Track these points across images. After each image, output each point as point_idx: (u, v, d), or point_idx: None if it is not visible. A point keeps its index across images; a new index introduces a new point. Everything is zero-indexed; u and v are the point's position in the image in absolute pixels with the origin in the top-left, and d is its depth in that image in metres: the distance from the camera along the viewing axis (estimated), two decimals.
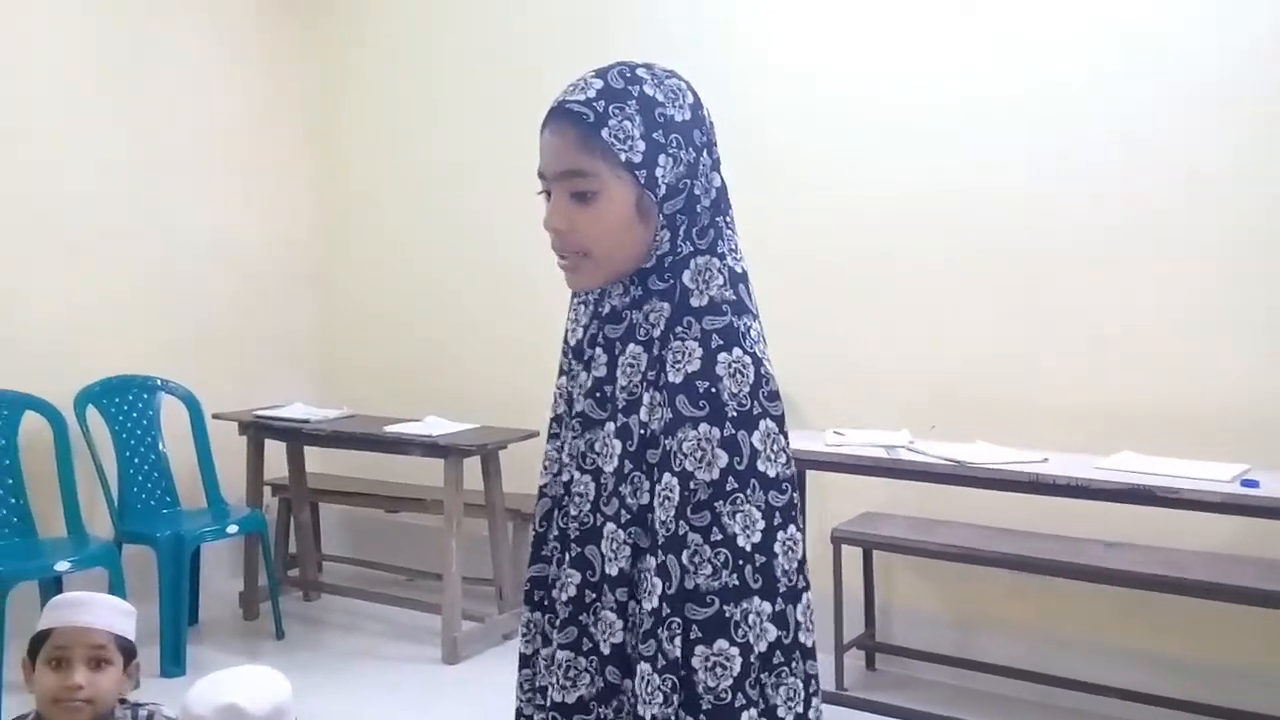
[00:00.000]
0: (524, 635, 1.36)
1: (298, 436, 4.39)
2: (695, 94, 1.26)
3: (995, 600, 3.70)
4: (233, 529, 4.13)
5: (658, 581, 1.14)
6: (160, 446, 4.26)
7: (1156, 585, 3.12)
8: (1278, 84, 3.20)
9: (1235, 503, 2.73)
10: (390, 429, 4.15)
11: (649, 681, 1.13)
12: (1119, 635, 3.47)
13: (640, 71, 1.23)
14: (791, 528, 1.17)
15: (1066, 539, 3.42)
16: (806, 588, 1.19)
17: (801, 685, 1.16)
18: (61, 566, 3.59)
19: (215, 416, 4.40)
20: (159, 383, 4.33)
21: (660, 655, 1.13)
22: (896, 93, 3.80)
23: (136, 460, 4.19)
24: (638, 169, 1.19)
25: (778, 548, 1.15)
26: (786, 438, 1.19)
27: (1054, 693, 3.48)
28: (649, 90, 1.21)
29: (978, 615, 3.75)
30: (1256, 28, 3.21)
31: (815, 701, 1.18)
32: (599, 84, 1.21)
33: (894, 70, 3.81)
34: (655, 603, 1.14)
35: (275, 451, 4.53)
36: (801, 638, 1.17)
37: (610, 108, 1.19)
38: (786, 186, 3.98)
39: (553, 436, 1.36)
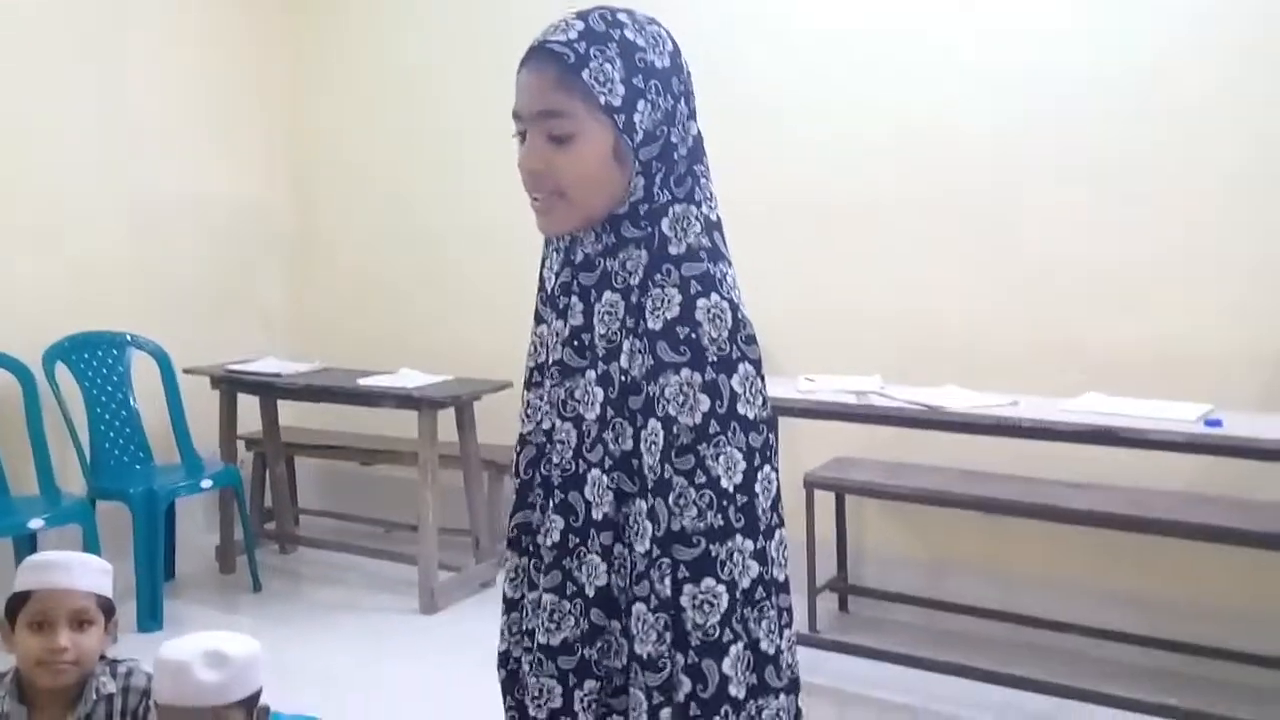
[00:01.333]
0: (511, 579, 1.37)
1: (271, 390, 4.38)
2: (674, 42, 1.26)
3: (965, 542, 3.76)
4: (207, 483, 4.13)
5: (648, 525, 1.17)
6: (131, 402, 4.24)
7: (1119, 524, 3.18)
8: (1248, 28, 3.22)
9: (1199, 442, 2.78)
10: (363, 382, 4.14)
11: (644, 621, 1.16)
12: (1085, 574, 3.55)
13: (621, 16, 1.22)
14: (767, 467, 1.20)
15: (1035, 480, 3.47)
16: (780, 524, 1.22)
17: (777, 618, 1.19)
18: (35, 524, 3.58)
19: (186, 371, 4.37)
20: (129, 338, 4.30)
21: (653, 595, 1.16)
22: (870, 41, 3.80)
23: (108, 417, 4.16)
24: (617, 112, 1.19)
25: (758, 487, 1.18)
26: (764, 380, 1.21)
27: (1022, 630, 3.56)
28: (630, 35, 1.21)
29: (948, 557, 3.82)
30: None
31: (787, 633, 1.22)
32: (580, 25, 1.20)
33: (867, 19, 3.80)
34: (647, 545, 1.17)
35: (250, 406, 4.52)
36: (776, 573, 1.20)
37: (591, 49, 1.19)
38: (759, 136, 3.98)
39: (533, 385, 1.36)
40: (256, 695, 1.88)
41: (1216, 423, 2.81)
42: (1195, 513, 3.13)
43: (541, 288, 1.38)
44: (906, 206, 3.77)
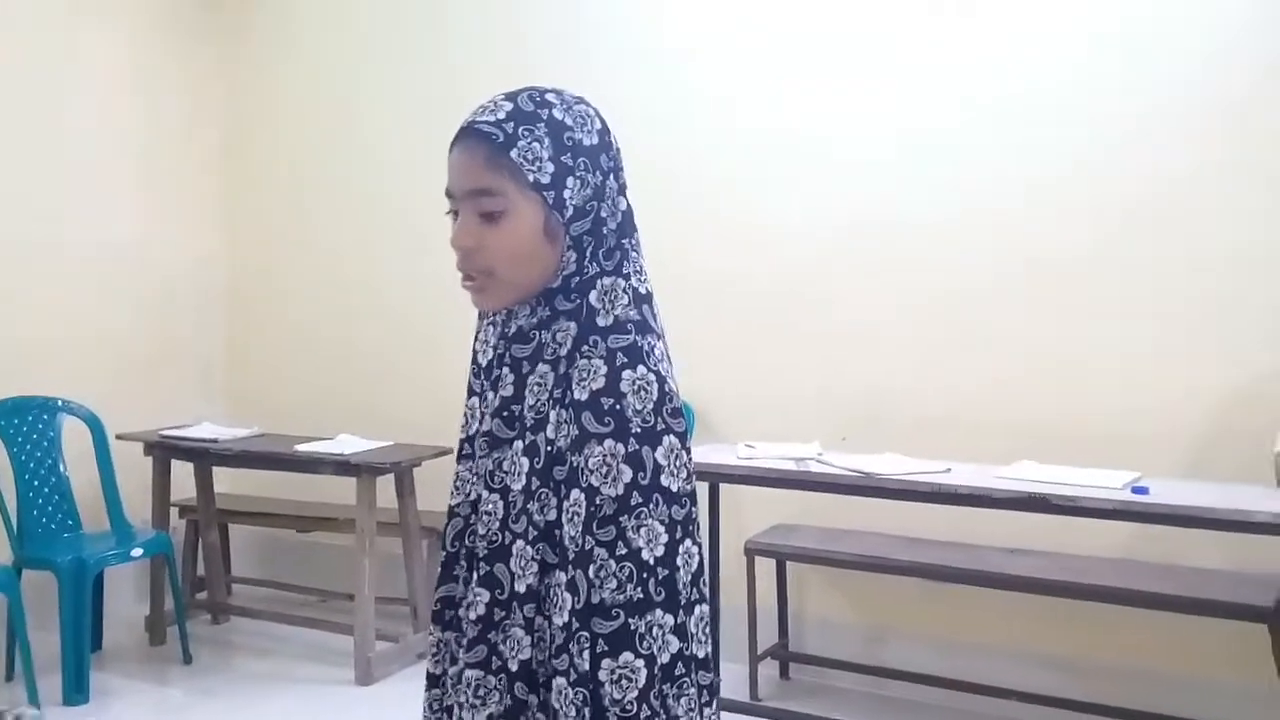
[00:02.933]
0: (433, 655, 1.36)
1: (205, 456, 4.32)
2: (603, 120, 1.28)
3: (905, 607, 3.78)
4: (137, 552, 4.03)
5: (568, 597, 1.16)
6: (61, 469, 4.14)
7: (1055, 590, 3.22)
8: (1187, 120, 3.34)
9: (1127, 509, 2.84)
10: (301, 448, 4.09)
11: (564, 695, 1.15)
12: (1022, 638, 3.58)
13: (550, 96, 1.25)
14: (689, 541, 1.19)
15: (971, 546, 3.51)
16: (701, 600, 1.21)
17: (696, 695, 1.18)
18: None
19: (119, 437, 4.29)
20: (60, 403, 4.21)
21: (572, 669, 1.15)
22: (808, 127, 3.89)
23: (36, 483, 4.06)
24: (546, 190, 1.21)
25: (679, 561, 1.17)
26: (689, 453, 1.22)
27: (961, 697, 3.57)
28: (558, 114, 1.23)
29: (888, 623, 3.83)
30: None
31: (708, 711, 1.21)
32: (509, 106, 1.23)
33: (808, 100, 3.89)
34: (566, 618, 1.16)
35: (184, 472, 4.44)
36: (696, 649, 1.19)
37: (520, 129, 1.21)
38: (701, 211, 4.05)
39: (463, 457, 1.36)
40: None
41: (1144, 490, 2.87)
42: (1126, 578, 3.18)
43: (474, 360, 1.38)
44: (847, 283, 3.83)
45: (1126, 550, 3.38)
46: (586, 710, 1.13)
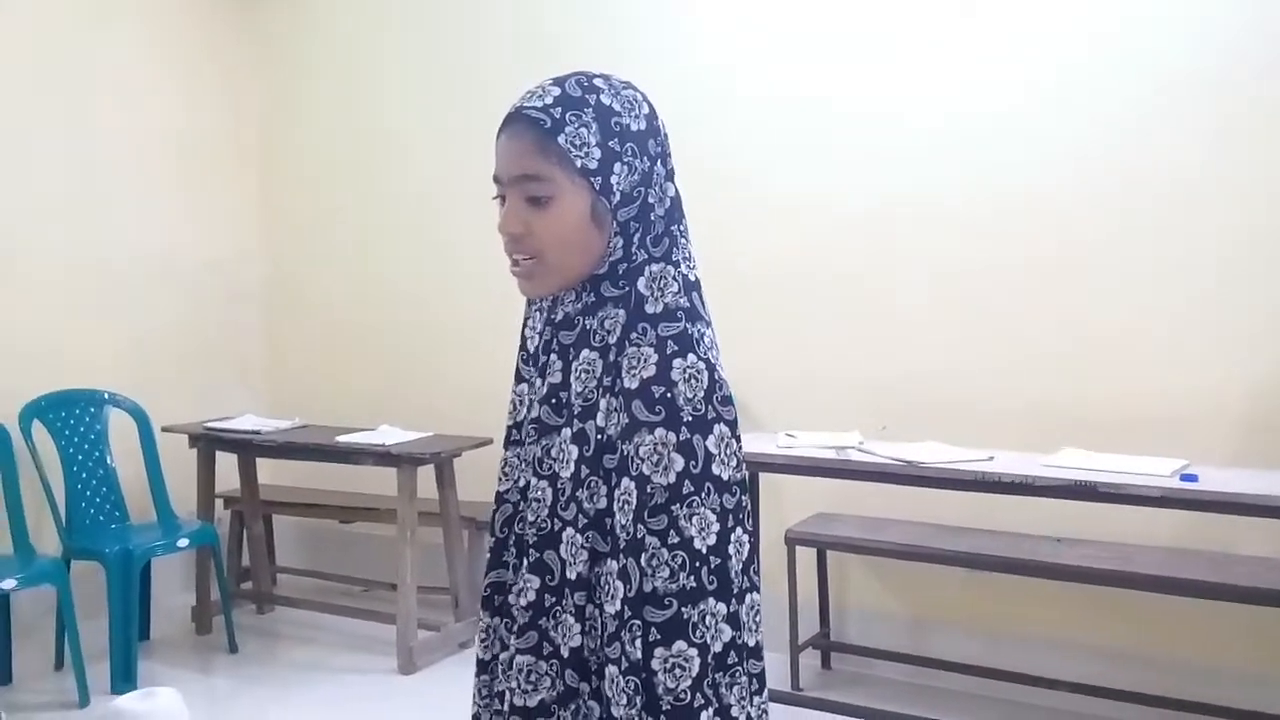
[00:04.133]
0: (482, 641, 1.36)
1: (249, 448, 4.36)
2: (651, 105, 1.28)
3: (947, 597, 3.75)
4: (183, 543, 4.09)
5: (619, 585, 1.16)
6: (108, 461, 4.21)
7: (1103, 580, 3.19)
8: (1228, 99, 3.28)
9: (1175, 497, 2.79)
10: (342, 439, 4.12)
11: (616, 683, 1.15)
12: (1067, 629, 3.54)
13: (597, 81, 1.25)
14: (740, 530, 1.19)
15: (1016, 535, 3.48)
16: (752, 589, 1.21)
17: (748, 684, 1.18)
18: (8, 584, 3.53)
19: (165, 429, 4.34)
20: (106, 396, 4.27)
21: (624, 658, 1.15)
22: (853, 109, 3.85)
23: (84, 475, 4.12)
24: (593, 175, 1.21)
25: (731, 549, 1.17)
26: (739, 442, 1.21)
27: (1006, 687, 3.54)
28: (605, 99, 1.23)
29: (930, 612, 3.81)
30: (1232, 28, 3.27)
31: (758, 700, 1.20)
32: (556, 91, 1.23)
33: (848, 82, 3.85)
34: (617, 606, 1.16)
35: (228, 464, 4.49)
36: (748, 638, 1.19)
37: (567, 114, 1.21)
38: (744, 197, 4.02)
39: (512, 443, 1.36)
40: None
41: (1192, 477, 2.83)
42: (1174, 567, 3.14)
43: (523, 346, 1.39)
44: (888, 269, 3.80)
45: (1174, 538, 3.33)
46: (639, 699, 1.13)
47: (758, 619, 1.22)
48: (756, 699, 1.20)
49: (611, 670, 1.16)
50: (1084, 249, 3.49)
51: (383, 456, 3.98)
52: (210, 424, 4.41)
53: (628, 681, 1.14)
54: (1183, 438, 3.22)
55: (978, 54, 3.64)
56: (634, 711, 1.13)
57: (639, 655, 1.14)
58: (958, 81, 3.68)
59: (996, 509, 3.44)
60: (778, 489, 3.75)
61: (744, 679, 1.17)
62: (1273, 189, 3.22)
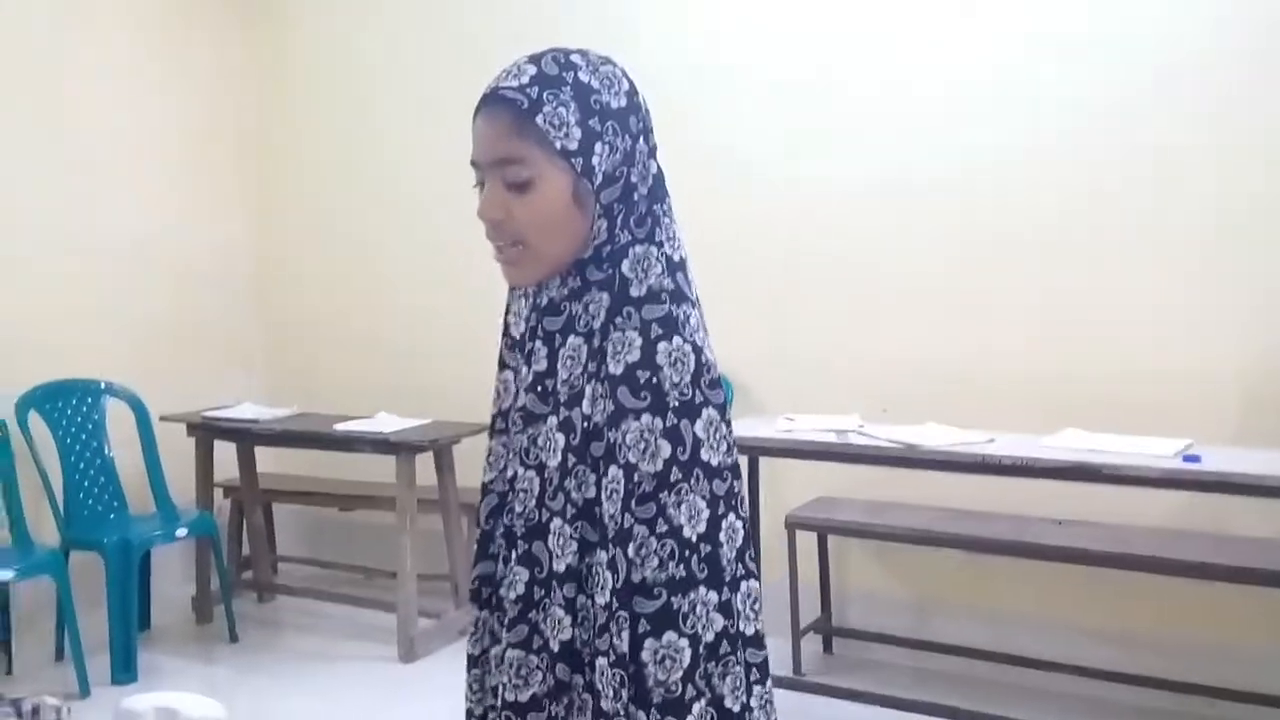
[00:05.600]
0: (472, 635, 1.34)
1: (247, 436, 4.34)
2: (630, 81, 1.24)
3: (949, 580, 3.74)
4: (182, 532, 4.07)
5: (608, 576, 1.13)
6: (106, 450, 4.19)
7: (1103, 561, 3.17)
8: (1236, 65, 3.24)
9: (1177, 478, 2.77)
10: (340, 427, 4.10)
11: (605, 675, 1.13)
12: (1070, 611, 3.53)
13: (575, 58, 1.21)
14: (732, 516, 1.16)
15: (1017, 518, 3.46)
16: (747, 575, 1.18)
17: (744, 673, 1.15)
18: (5, 575, 3.52)
19: (163, 419, 4.32)
20: (103, 386, 4.25)
21: (613, 649, 1.12)
22: (845, 87, 3.82)
23: (82, 465, 4.11)
24: (574, 156, 1.17)
25: (722, 536, 1.14)
26: (729, 425, 1.18)
27: (1009, 670, 3.53)
28: (584, 76, 1.19)
29: (932, 596, 3.79)
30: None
31: (758, 689, 1.18)
32: (532, 70, 1.19)
33: (841, 67, 3.82)
34: (607, 597, 1.13)
35: (226, 453, 4.47)
36: (743, 626, 1.16)
37: (545, 94, 1.17)
38: (738, 175, 3.99)
39: (497, 432, 1.34)
40: None
41: (1195, 458, 2.80)
42: (1176, 548, 3.12)
43: (506, 333, 1.36)
44: (885, 249, 3.78)
45: (1177, 519, 3.31)
46: (629, 691, 1.11)
47: (756, 606, 1.19)
48: (758, 688, 1.18)
49: (601, 662, 1.14)
50: (1085, 230, 3.46)
51: (381, 444, 3.96)
52: (208, 413, 4.39)
53: (616, 674, 1.12)
54: (1185, 418, 3.19)
55: (975, 31, 3.60)
56: (622, 705, 1.11)
57: (627, 647, 1.11)
58: (954, 60, 3.65)
59: (999, 490, 3.41)
60: (777, 473, 3.72)
61: (738, 669, 1.15)
62: (1269, 167, 3.18)
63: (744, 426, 3.42)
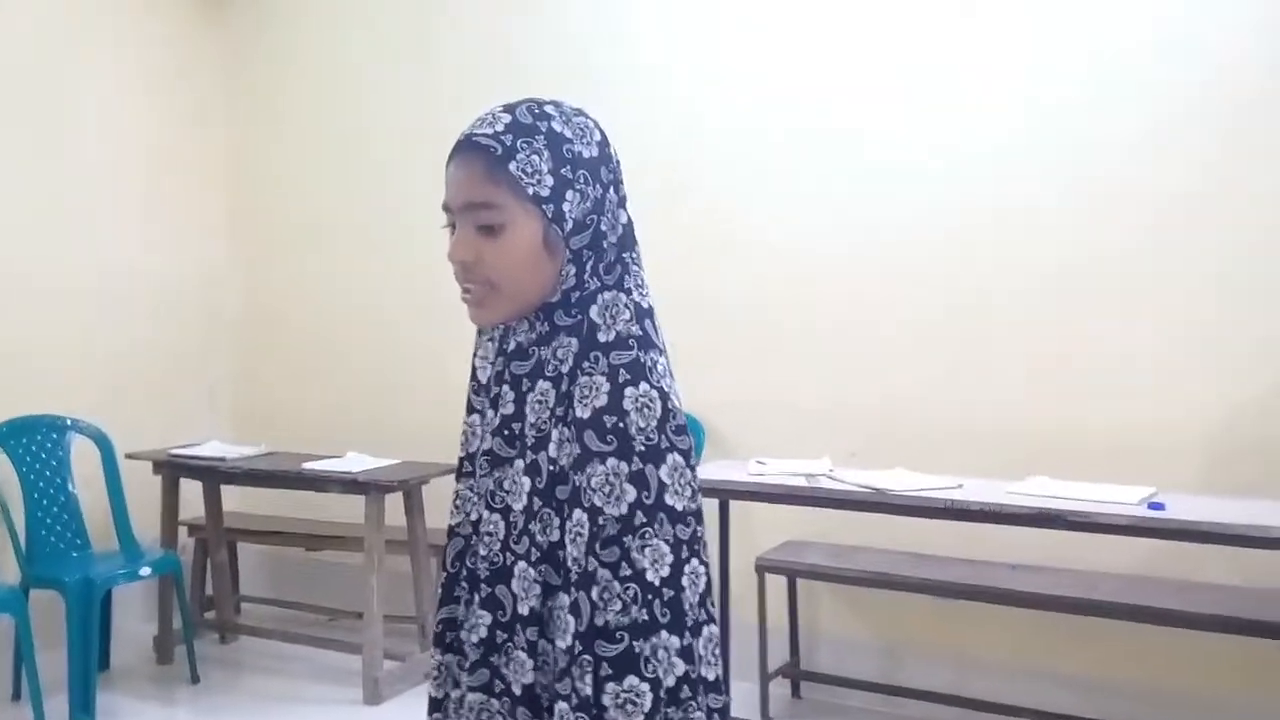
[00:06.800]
0: (435, 679, 1.33)
1: (214, 475, 4.30)
2: (602, 132, 1.27)
3: (918, 625, 3.74)
4: (145, 571, 4.01)
5: (570, 619, 1.14)
6: (70, 487, 4.14)
7: (1068, 607, 3.19)
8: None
9: (1142, 525, 2.79)
10: (309, 466, 4.08)
11: (566, 718, 1.13)
12: (1036, 656, 3.54)
13: (548, 108, 1.23)
14: (695, 560, 1.16)
15: (985, 563, 3.48)
16: (709, 620, 1.18)
17: (704, 718, 1.15)
18: None
19: (129, 456, 4.28)
20: (69, 422, 4.21)
21: (574, 694, 1.12)
22: (813, 138, 3.87)
23: (45, 502, 4.06)
24: (545, 203, 1.19)
25: (684, 581, 1.15)
26: (694, 471, 1.19)
27: (978, 716, 3.53)
28: (557, 126, 1.21)
29: (900, 640, 3.79)
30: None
31: None
32: (507, 118, 1.21)
33: (816, 115, 3.87)
34: (569, 641, 1.14)
35: (193, 491, 4.43)
36: (704, 671, 1.16)
37: (518, 142, 1.19)
38: (715, 226, 4.03)
39: (463, 475, 1.34)
40: None
41: (1159, 505, 2.83)
42: (1140, 595, 3.14)
43: (474, 377, 1.37)
44: (856, 295, 3.81)
45: (1142, 566, 3.33)
46: None
47: (716, 651, 1.19)
48: None
49: (562, 706, 1.13)
50: (1053, 281, 3.51)
51: (350, 484, 3.93)
52: (174, 450, 4.35)
53: (578, 718, 1.12)
54: (1151, 466, 3.22)
55: (950, 86, 3.66)
56: None
57: (589, 691, 1.11)
58: (924, 115, 3.70)
59: (967, 536, 3.42)
60: (748, 516, 3.73)
61: (699, 714, 1.15)
62: (1248, 223, 3.25)
63: (715, 470, 3.43)
